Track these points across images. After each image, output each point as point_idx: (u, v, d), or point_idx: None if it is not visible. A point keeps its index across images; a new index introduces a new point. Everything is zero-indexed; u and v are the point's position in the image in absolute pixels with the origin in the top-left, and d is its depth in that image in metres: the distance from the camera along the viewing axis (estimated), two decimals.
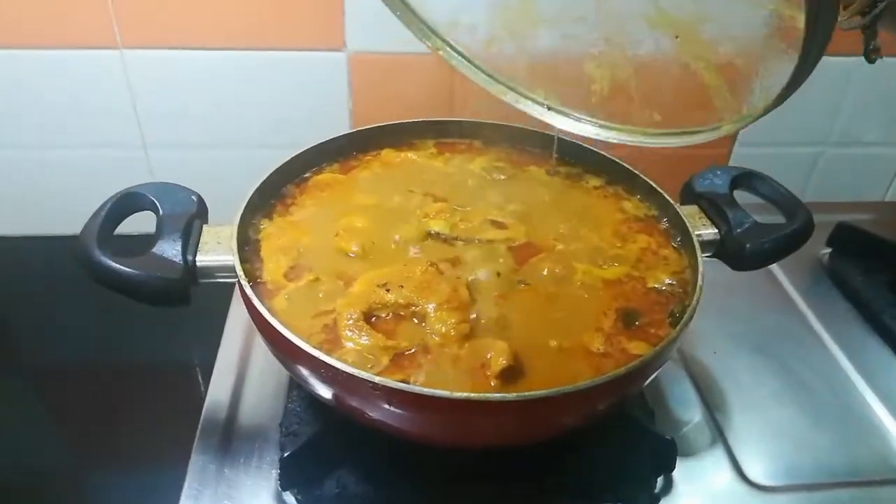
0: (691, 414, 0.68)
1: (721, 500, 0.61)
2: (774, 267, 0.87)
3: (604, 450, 0.60)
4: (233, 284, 0.54)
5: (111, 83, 0.83)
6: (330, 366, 0.45)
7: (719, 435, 0.66)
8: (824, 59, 0.85)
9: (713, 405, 0.69)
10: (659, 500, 0.60)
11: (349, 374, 0.45)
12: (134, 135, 0.88)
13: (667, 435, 0.60)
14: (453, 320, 0.51)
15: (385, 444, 0.54)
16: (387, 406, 0.45)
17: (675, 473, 0.61)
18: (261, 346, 0.73)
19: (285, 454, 0.56)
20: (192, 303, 0.55)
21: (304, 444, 0.57)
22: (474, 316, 0.53)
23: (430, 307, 0.52)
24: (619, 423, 0.59)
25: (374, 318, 0.52)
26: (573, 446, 0.59)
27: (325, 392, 0.49)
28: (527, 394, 0.44)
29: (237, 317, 0.76)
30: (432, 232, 0.61)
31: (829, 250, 0.89)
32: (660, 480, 0.61)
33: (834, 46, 0.85)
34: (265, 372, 0.69)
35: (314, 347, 0.46)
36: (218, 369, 0.70)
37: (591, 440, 0.60)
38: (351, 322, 0.51)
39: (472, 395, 0.44)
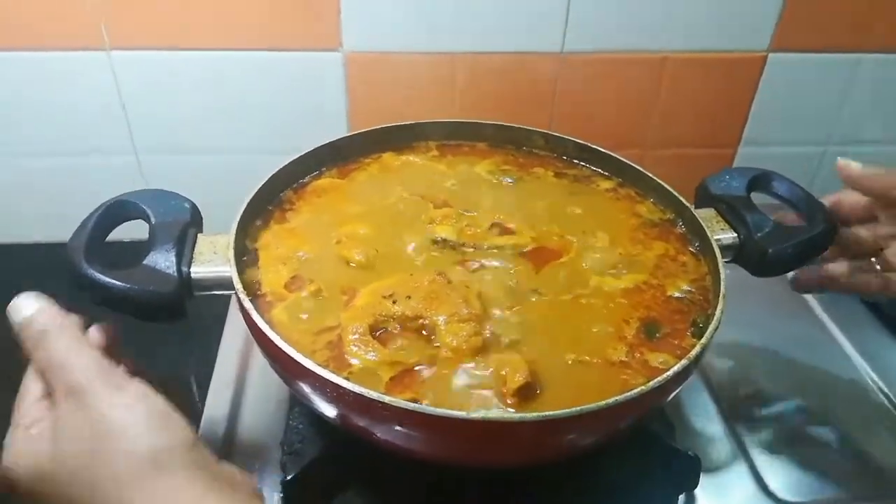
0: (712, 427, 0.65)
1: None
2: None
3: (624, 468, 0.57)
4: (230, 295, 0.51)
5: (99, 86, 0.80)
6: (337, 385, 0.42)
7: (741, 448, 0.63)
8: (826, 56, 0.85)
9: (733, 417, 0.66)
10: None
11: (357, 394, 0.41)
12: (124, 139, 0.85)
13: (689, 451, 0.57)
14: (465, 333, 0.48)
15: (395, 464, 0.51)
16: (397, 427, 0.42)
17: (697, 490, 0.59)
18: (261, 359, 0.69)
19: (288, 476, 0.53)
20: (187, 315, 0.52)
21: (308, 464, 0.54)
22: (487, 329, 0.50)
23: (441, 319, 0.49)
24: (639, 438, 0.57)
25: (380, 332, 0.49)
26: (591, 465, 0.57)
27: (330, 412, 0.46)
28: (550, 413, 0.40)
29: (234, 328, 0.73)
30: (438, 239, 0.58)
31: None
32: (681, 498, 0.58)
33: (836, 42, 0.85)
34: (265, 386, 0.66)
35: (320, 366, 0.43)
36: (215, 383, 0.67)
37: (610, 458, 0.57)
38: (356, 337, 0.48)
39: (490, 415, 0.41)
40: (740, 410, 0.67)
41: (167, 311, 0.49)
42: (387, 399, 0.41)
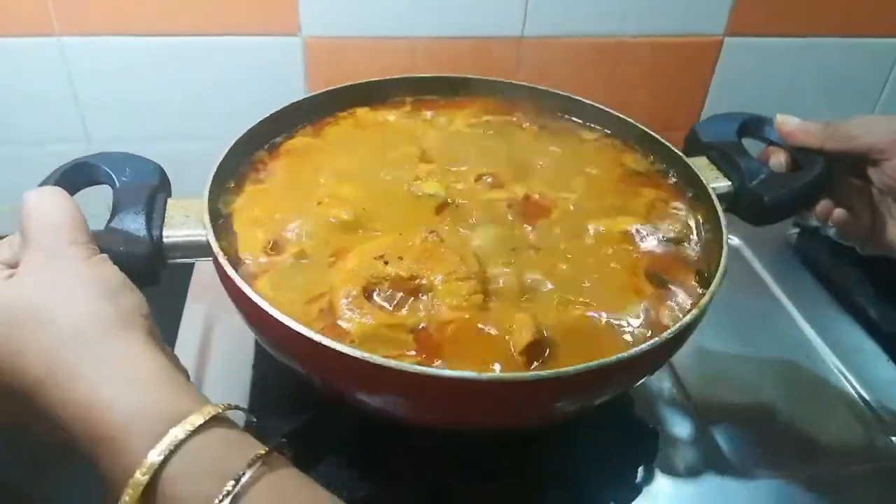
0: (669, 400, 0.65)
1: (703, 489, 0.58)
2: (743, 246, 0.85)
3: (583, 440, 0.56)
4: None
5: (49, 74, 0.76)
6: (349, 356, 0.38)
7: (698, 421, 0.63)
8: (780, 40, 0.85)
9: (690, 390, 0.66)
10: (640, 490, 0.57)
11: (375, 364, 0.38)
12: (76, 128, 0.80)
13: (648, 424, 0.57)
14: (465, 291, 0.45)
15: (369, 432, 0.50)
16: (407, 393, 0.40)
17: (656, 463, 0.59)
18: (225, 326, 0.68)
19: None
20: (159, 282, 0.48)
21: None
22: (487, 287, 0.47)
23: (438, 278, 0.46)
24: (598, 411, 0.55)
25: (374, 294, 0.46)
26: (549, 438, 0.56)
27: (330, 383, 0.43)
28: (569, 369, 0.38)
29: (197, 294, 0.71)
30: (426, 195, 0.55)
31: (797, 230, 0.87)
32: (640, 470, 0.58)
33: (789, 27, 0.85)
34: (230, 353, 0.64)
35: (333, 341, 0.39)
36: (178, 351, 0.63)
37: (569, 431, 0.56)
38: (349, 301, 0.44)
39: (506, 375, 0.39)
40: (699, 385, 0.66)
41: (138, 276, 0.44)
42: (410, 367, 0.38)
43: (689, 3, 0.82)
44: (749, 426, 0.64)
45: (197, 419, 0.34)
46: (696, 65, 0.88)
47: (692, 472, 0.59)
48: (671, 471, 0.59)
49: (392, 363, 0.38)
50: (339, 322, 0.44)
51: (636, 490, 0.57)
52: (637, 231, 0.54)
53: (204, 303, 0.71)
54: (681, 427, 0.63)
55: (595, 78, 0.86)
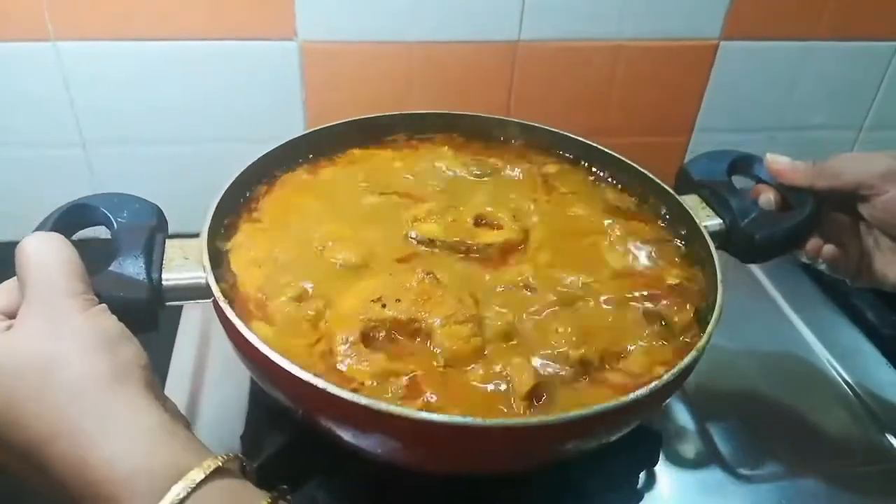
0: (672, 404, 0.65)
1: (705, 493, 0.59)
2: None
3: None
4: None
5: (44, 78, 0.76)
6: (352, 403, 0.38)
7: (700, 425, 0.64)
8: (776, 44, 0.87)
9: (692, 395, 0.66)
10: (642, 495, 0.57)
11: (383, 412, 0.38)
12: (72, 132, 0.80)
13: (651, 427, 0.58)
14: (464, 334, 0.46)
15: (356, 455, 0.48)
16: (410, 440, 0.40)
17: (658, 467, 0.59)
18: (218, 354, 0.68)
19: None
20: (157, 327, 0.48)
21: (268, 457, 0.51)
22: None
23: (436, 322, 0.46)
24: None
25: (372, 337, 0.46)
26: None
27: (329, 428, 0.43)
28: (578, 412, 0.38)
29: (190, 321, 0.71)
30: (422, 238, 0.55)
31: None
32: (642, 475, 0.58)
33: (785, 31, 0.86)
34: (223, 380, 0.65)
35: (339, 388, 0.39)
36: (171, 378, 0.65)
37: None
38: (347, 347, 0.44)
39: (511, 421, 0.39)
40: (698, 388, 0.67)
41: (138, 321, 0.44)
42: (422, 415, 0.38)
43: (685, 7, 0.83)
44: (748, 428, 0.64)
45: (198, 475, 0.34)
46: (691, 68, 0.88)
47: (693, 476, 0.60)
48: (673, 475, 0.59)
49: (398, 409, 0.38)
50: (337, 366, 0.44)
51: (638, 495, 0.57)
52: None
53: (197, 323, 0.71)
54: (682, 430, 0.63)
55: (591, 81, 0.87)
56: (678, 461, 0.61)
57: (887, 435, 0.65)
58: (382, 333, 0.46)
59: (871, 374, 0.71)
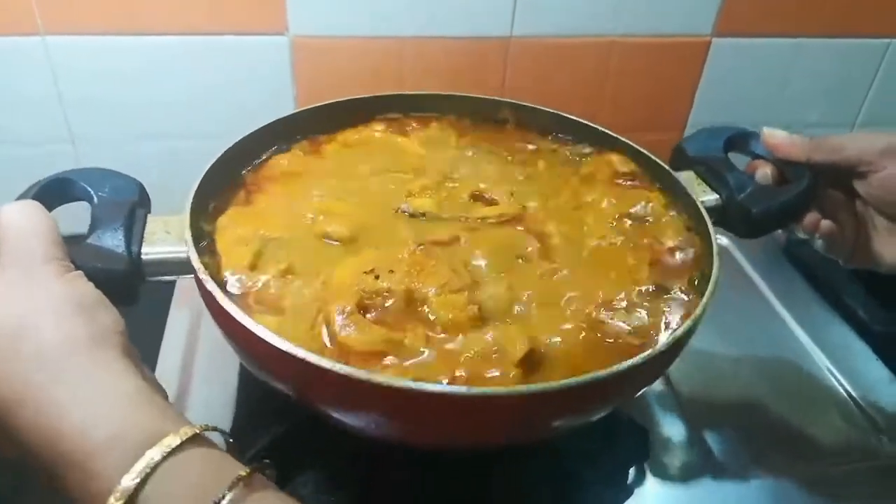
0: (658, 399, 0.64)
1: (693, 489, 0.58)
2: (732, 247, 0.86)
3: (573, 441, 0.55)
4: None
5: (33, 73, 0.75)
6: (335, 373, 0.37)
7: (688, 420, 0.63)
8: (768, 41, 0.87)
9: (679, 389, 0.65)
10: (631, 492, 0.56)
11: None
12: (60, 128, 0.79)
13: (638, 423, 0.57)
14: (460, 303, 0.44)
15: (349, 443, 0.48)
16: (412, 412, 0.38)
17: (647, 463, 0.58)
18: (208, 341, 0.67)
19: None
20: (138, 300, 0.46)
21: (261, 448, 0.51)
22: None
23: (431, 291, 0.45)
24: None
25: (368, 308, 0.45)
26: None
27: (316, 402, 0.41)
28: (569, 381, 0.37)
29: (180, 309, 0.70)
30: (417, 213, 0.54)
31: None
32: (631, 471, 0.57)
33: (777, 27, 0.86)
34: (213, 369, 0.63)
35: (321, 357, 0.38)
36: (160, 368, 0.63)
37: None
38: (343, 317, 0.43)
39: (500, 390, 0.37)
40: (688, 385, 0.66)
41: (117, 294, 0.42)
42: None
43: (678, 4, 0.83)
44: (738, 425, 0.63)
45: (174, 440, 0.33)
46: (684, 65, 0.88)
47: (682, 472, 0.59)
48: (662, 471, 0.58)
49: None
50: (340, 334, 0.42)
51: (627, 491, 0.56)
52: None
53: (187, 309, 0.70)
54: (670, 427, 0.62)
55: (583, 78, 0.86)
56: (668, 458, 0.59)
57: (878, 432, 0.64)
58: (379, 304, 0.45)
59: (863, 371, 0.71)
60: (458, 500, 0.53)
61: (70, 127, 0.79)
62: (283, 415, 0.54)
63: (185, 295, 0.71)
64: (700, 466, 0.59)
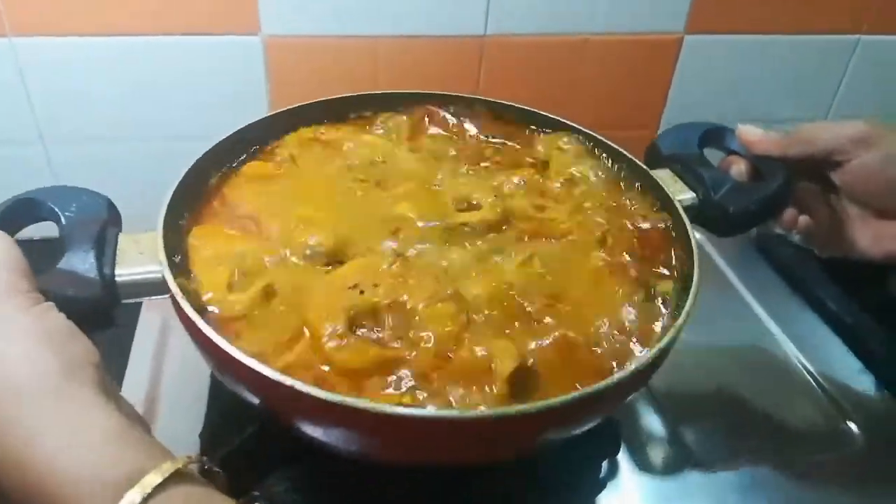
0: (637, 397, 0.65)
1: (667, 481, 0.59)
2: (705, 242, 0.86)
3: None
4: None
5: (1, 75, 0.73)
6: (319, 399, 0.36)
7: (661, 413, 0.64)
8: (740, 38, 0.87)
9: (653, 382, 0.64)
10: (605, 484, 0.57)
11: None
12: (30, 130, 0.78)
13: (610, 416, 0.57)
14: (448, 313, 0.44)
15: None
16: (396, 436, 0.38)
17: (620, 456, 0.59)
18: (176, 352, 0.66)
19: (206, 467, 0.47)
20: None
21: (228, 454, 0.48)
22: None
23: (420, 305, 0.44)
24: None
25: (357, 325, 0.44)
26: None
27: (302, 428, 0.40)
28: (561, 399, 0.37)
29: (148, 319, 0.69)
30: (397, 220, 0.53)
31: None
32: (604, 465, 0.58)
33: (749, 25, 0.87)
34: (182, 379, 0.64)
35: (308, 385, 0.37)
36: (129, 378, 0.63)
37: None
38: (335, 337, 0.42)
39: (493, 411, 0.37)
40: (662, 378, 0.66)
41: (91, 320, 0.41)
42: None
43: (650, 2, 0.83)
44: (712, 418, 0.64)
45: (154, 478, 0.32)
46: (657, 62, 0.89)
47: (656, 465, 0.59)
48: (635, 464, 0.59)
49: (372, 405, 0.36)
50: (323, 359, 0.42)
51: (600, 485, 0.57)
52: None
53: (157, 311, 0.70)
54: (644, 419, 0.63)
55: (557, 76, 0.86)
56: (642, 451, 0.60)
57: (849, 422, 0.66)
58: (368, 320, 0.44)
59: (835, 362, 0.72)
60: (431, 492, 0.53)
61: (41, 131, 0.78)
62: (252, 420, 0.52)
63: (152, 312, 0.70)
64: (674, 458, 0.60)
